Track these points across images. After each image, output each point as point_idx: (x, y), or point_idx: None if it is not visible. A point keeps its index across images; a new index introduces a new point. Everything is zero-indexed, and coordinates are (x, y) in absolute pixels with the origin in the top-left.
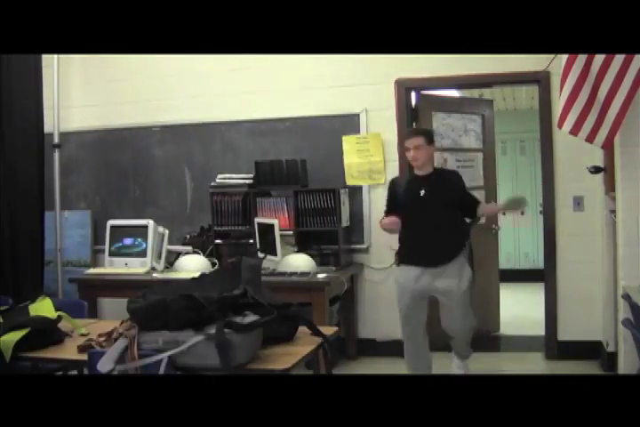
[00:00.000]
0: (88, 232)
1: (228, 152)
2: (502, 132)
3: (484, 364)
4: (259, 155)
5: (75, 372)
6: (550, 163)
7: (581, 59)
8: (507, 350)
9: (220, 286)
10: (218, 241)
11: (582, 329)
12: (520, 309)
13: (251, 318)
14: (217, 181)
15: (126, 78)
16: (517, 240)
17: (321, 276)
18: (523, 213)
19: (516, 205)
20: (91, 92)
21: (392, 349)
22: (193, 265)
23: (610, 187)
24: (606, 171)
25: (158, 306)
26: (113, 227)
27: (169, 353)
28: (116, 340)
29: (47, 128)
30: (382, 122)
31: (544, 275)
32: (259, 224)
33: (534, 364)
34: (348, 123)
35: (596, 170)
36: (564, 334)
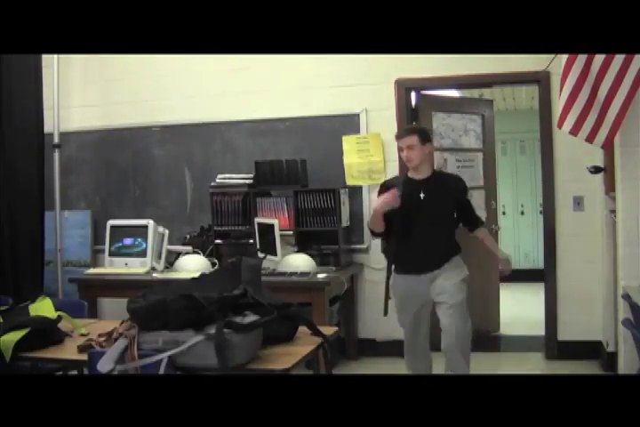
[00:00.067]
0: (88, 232)
1: (227, 152)
2: (502, 132)
3: (484, 364)
4: (259, 155)
5: (75, 372)
6: (550, 163)
7: (581, 59)
8: (507, 350)
9: (220, 285)
10: (218, 241)
11: (582, 329)
12: (520, 309)
13: (251, 318)
14: (217, 181)
15: (126, 78)
16: (517, 240)
17: (321, 276)
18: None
19: (505, 264)
20: (91, 92)
21: (392, 349)
22: (193, 265)
23: (610, 187)
24: (606, 171)
25: (158, 306)
26: (113, 227)
27: (169, 353)
28: (116, 340)
29: (47, 128)
30: (382, 122)
31: (544, 275)
32: (259, 224)
33: (534, 364)
34: (348, 123)
35: (596, 170)
36: (564, 334)
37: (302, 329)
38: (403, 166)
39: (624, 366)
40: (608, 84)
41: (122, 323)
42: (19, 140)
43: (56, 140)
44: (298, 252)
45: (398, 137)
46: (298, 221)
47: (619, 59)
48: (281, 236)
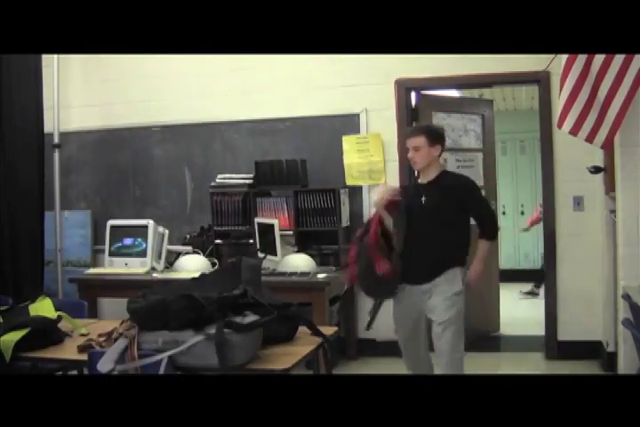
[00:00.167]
0: (88, 232)
1: (227, 152)
2: (502, 132)
3: (484, 364)
4: (259, 155)
5: (75, 372)
6: (550, 163)
7: (581, 59)
8: (507, 350)
9: (220, 286)
10: (218, 241)
11: (582, 329)
12: (520, 309)
13: (251, 318)
14: (217, 181)
15: (126, 78)
16: (517, 240)
17: (321, 276)
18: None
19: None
20: (90, 92)
21: (392, 349)
22: (193, 265)
23: (610, 187)
24: (606, 171)
25: (158, 306)
26: (113, 227)
27: (169, 353)
28: (116, 340)
29: (47, 128)
30: (382, 122)
31: (544, 275)
32: (259, 224)
33: (534, 364)
34: (348, 123)
35: (596, 170)
36: (564, 334)
37: (302, 329)
38: (403, 166)
39: (624, 366)
40: (608, 84)
41: (122, 323)
42: (19, 140)
43: (56, 140)
44: (298, 252)
45: (406, 136)
46: (298, 221)
47: (619, 59)
48: (281, 236)
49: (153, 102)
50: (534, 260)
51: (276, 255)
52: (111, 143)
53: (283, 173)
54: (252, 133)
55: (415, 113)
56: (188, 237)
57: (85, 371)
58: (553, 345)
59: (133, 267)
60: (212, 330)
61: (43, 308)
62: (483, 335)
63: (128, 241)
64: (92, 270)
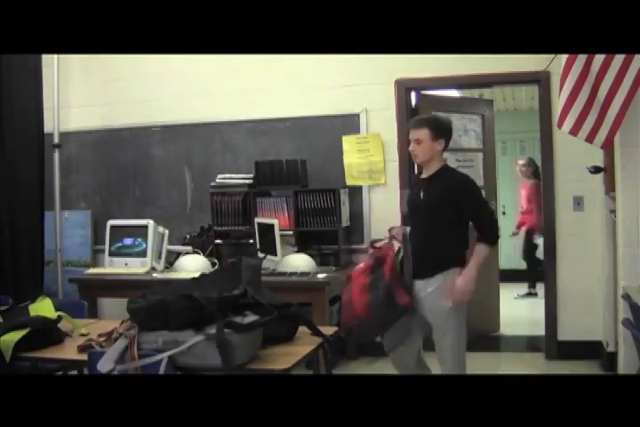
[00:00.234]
0: (88, 232)
1: (227, 152)
2: (502, 132)
3: (484, 364)
4: (259, 155)
5: (75, 372)
6: (550, 163)
7: (581, 59)
8: (507, 350)
9: (220, 286)
10: (218, 241)
11: (582, 329)
12: (520, 309)
13: (251, 318)
14: (217, 181)
15: (126, 78)
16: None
17: (321, 276)
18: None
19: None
20: (91, 92)
21: None
22: (193, 265)
23: (610, 187)
24: (606, 171)
25: (158, 306)
26: (113, 227)
27: (169, 353)
28: (116, 340)
29: (47, 128)
30: (382, 122)
31: (544, 275)
32: (259, 224)
33: (534, 364)
34: (348, 123)
35: (596, 170)
36: (564, 334)
37: (302, 329)
38: (403, 166)
39: (624, 366)
40: (608, 84)
41: (122, 323)
42: (19, 140)
43: (56, 140)
44: (298, 252)
45: (409, 127)
46: (298, 221)
47: (619, 59)
48: (281, 236)
49: (153, 102)
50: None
51: (275, 255)
52: (111, 143)
53: (283, 173)
54: (252, 133)
55: (415, 113)
56: (187, 237)
57: (85, 371)
58: (553, 345)
59: (133, 267)
60: (212, 330)
61: (43, 308)
62: (483, 335)
63: (128, 241)
64: (92, 270)
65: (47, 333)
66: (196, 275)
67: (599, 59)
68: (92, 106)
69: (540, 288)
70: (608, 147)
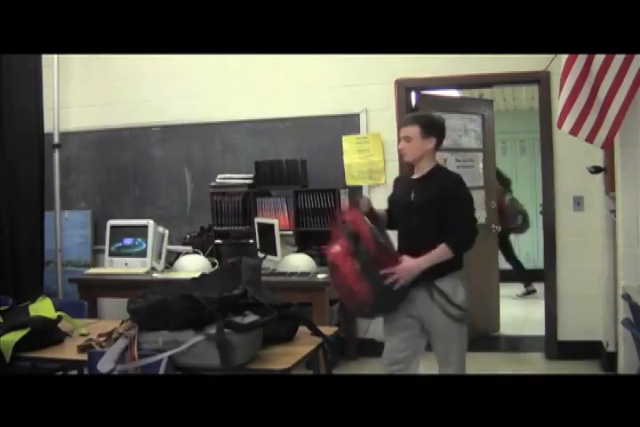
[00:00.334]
0: (88, 232)
1: (227, 152)
2: (502, 132)
3: (484, 364)
4: (259, 155)
5: (75, 372)
6: (550, 163)
7: (581, 59)
8: (507, 350)
9: (220, 286)
10: (218, 241)
11: (582, 329)
12: (520, 309)
13: (251, 318)
14: (217, 181)
15: (126, 78)
16: (517, 240)
17: (321, 276)
18: None
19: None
20: (91, 92)
21: None
22: (193, 265)
23: (610, 187)
24: (606, 171)
25: (158, 306)
26: (113, 227)
27: (169, 353)
28: (116, 340)
29: (47, 128)
30: (382, 122)
31: (544, 275)
32: (259, 224)
33: (534, 364)
34: (348, 123)
35: (596, 170)
36: (564, 334)
37: (302, 329)
38: (403, 167)
39: (624, 366)
40: (608, 84)
41: (122, 323)
42: (19, 140)
43: (56, 140)
44: (298, 252)
45: (399, 125)
46: (298, 221)
47: (619, 59)
48: (281, 236)
49: (153, 102)
50: (534, 260)
51: (275, 255)
52: (111, 143)
53: (283, 173)
54: (252, 133)
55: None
56: (187, 237)
57: (85, 371)
58: (553, 345)
59: (133, 267)
60: (212, 330)
61: (43, 308)
62: (483, 335)
63: (128, 241)
64: (92, 270)
65: (47, 333)
66: (196, 275)
67: (599, 59)
68: (92, 106)
69: (540, 287)
70: (608, 147)
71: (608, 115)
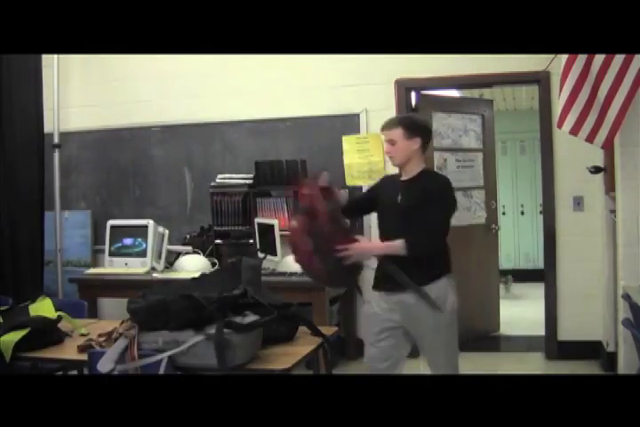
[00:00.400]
0: (88, 232)
1: (227, 152)
2: (502, 132)
3: (484, 364)
4: (259, 155)
5: (75, 372)
6: (550, 163)
7: (581, 59)
8: (507, 350)
9: (220, 286)
10: (218, 241)
11: (582, 329)
12: (520, 309)
13: (251, 318)
14: (217, 181)
15: (126, 78)
16: (517, 240)
17: None
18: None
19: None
20: (91, 92)
21: None
22: (193, 265)
23: (610, 187)
24: (606, 171)
25: (158, 306)
26: (113, 227)
27: (169, 353)
28: (116, 340)
29: (47, 128)
30: (382, 122)
31: (544, 275)
32: (259, 224)
33: (534, 364)
34: (348, 123)
35: (596, 170)
36: (564, 334)
37: (302, 329)
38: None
39: (624, 366)
40: (608, 84)
41: (122, 323)
42: (19, 140)
43: (56, 140)
44: None
45: (381, 128)
46: None
47: (619, 59)
48: (281, 236)
49: (153, 102)
50: (534, 260)
51: (275, 255)
52: (111, 143)
53: (283, 173)
54: (252, 133)
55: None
56: (188, 237)
57: (85, 371)
58: (553, 345)
59: (133, 267)
60: (212, 330)
61: (43, 308)
62: (483, 335)
63: (128, 241)
64: (92, 270)
65: (47, 333)
66: (196, 275)
67: (599, 59)
68: (92, 106)
69: (541, 288)
70: (608, 147)
71: (608, 115)
